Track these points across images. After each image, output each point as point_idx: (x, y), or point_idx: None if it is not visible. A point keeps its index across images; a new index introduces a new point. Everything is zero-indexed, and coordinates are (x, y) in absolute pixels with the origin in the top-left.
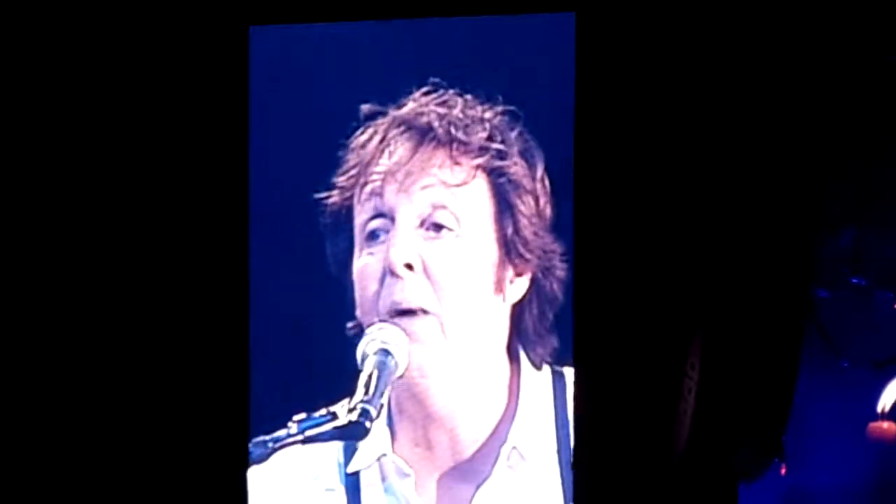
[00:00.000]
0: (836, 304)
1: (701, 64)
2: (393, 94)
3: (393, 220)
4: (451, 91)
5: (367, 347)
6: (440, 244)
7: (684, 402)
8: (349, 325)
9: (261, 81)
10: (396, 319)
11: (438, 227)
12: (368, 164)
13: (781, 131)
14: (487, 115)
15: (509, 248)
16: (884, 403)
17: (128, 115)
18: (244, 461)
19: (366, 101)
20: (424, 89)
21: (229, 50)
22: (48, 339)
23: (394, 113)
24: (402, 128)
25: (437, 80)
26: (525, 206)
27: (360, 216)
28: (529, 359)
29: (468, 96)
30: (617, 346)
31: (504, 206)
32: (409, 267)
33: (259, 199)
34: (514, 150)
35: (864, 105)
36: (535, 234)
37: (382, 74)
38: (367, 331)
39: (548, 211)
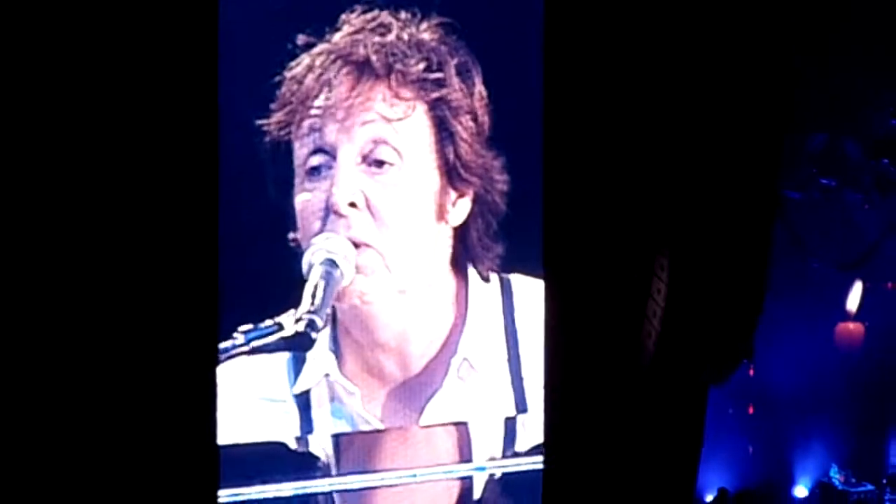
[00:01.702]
0: (807, 206)
1: None
2: (327, 17)
3: (334, 156)
4: (385, 12)
5: (312, 257)
6: (382, 180)
7: (654, 303)
8: (290, 236)
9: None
10: None
11: (380, 164)
12: (306, 99)
13: (748, 38)
14: (424, 34)
15: (451, 174)
16: (851, 305)
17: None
18: (209, 367)
19: (300, 27)
20: (358, 10)
21: None
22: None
23: (329, 45)
24: (340, 62)
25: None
26: (465, 129)
27: (300, 150)
28: (477, 271)
29: (403, 15)
30: (586, 254)
31: (444, 135)
32: (353, 205)
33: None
34: (452, 72)
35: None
36: (476, 154)
37: None
38: (314, 240)
39: (486, 124)
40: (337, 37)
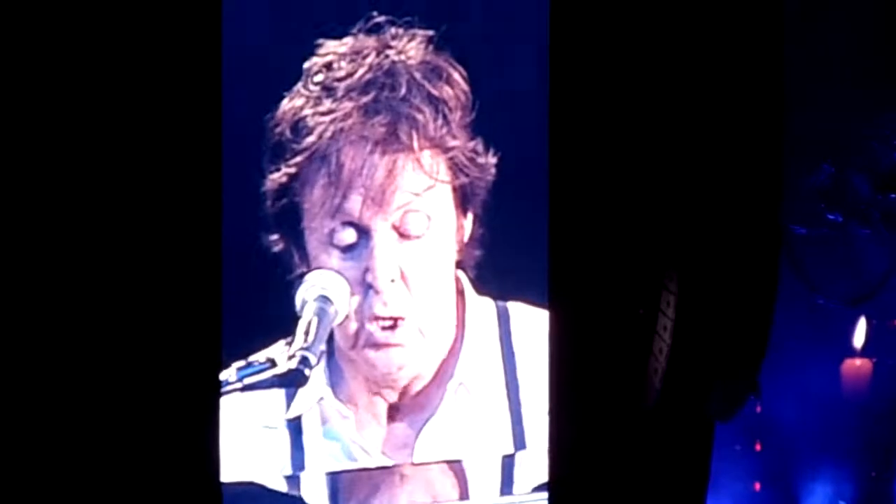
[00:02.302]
0: (813, 241)
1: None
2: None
3: (368, 233)
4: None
5: (306, 294)
6: (415, 250)
7: (660, 340)
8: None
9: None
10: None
11: (413, 234)
12: (330, 170)
13: (754, 69)
14: (422, 58)
15: (465, 207)
16: (858, 340)
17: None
18: (213, 397)
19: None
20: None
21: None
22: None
23: (340, 111)
24: (367, 143)
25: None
26: (475, 166)
27: (324, 222)
28: (475, 290)
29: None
30: (592, 286)
31: (463, 184)
32: (392, 281)
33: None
34: (456, 119)
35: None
36: (479, 178)
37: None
38: (307, 277)
39: (477, 140)
40: (340, 88)
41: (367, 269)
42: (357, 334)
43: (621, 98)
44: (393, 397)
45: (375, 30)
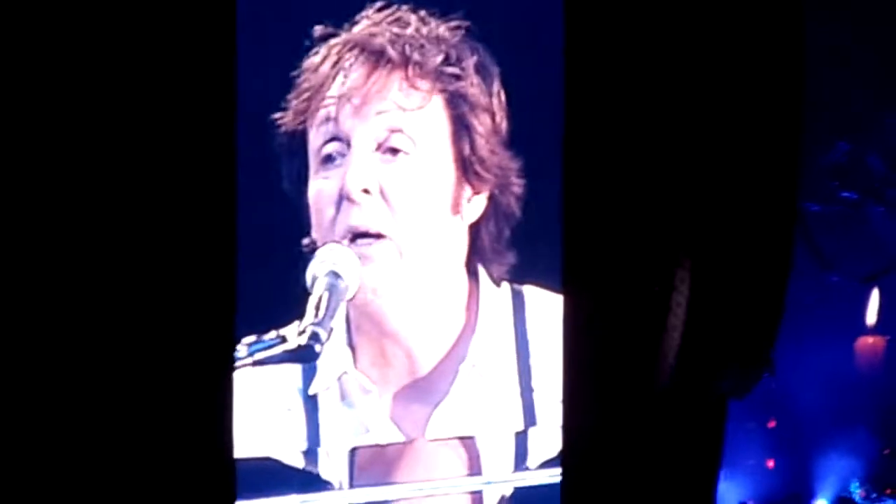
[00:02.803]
0: (827, 218)
1: None
2: (346, 12)
3: (349, 144)
4: (404, 7)
5: (316, 269)
6: (397, 167)
7: (674, 316)
8: (304, 241)
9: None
10: (351, 244)
11: (395, 151)
12: (321, 87)
13: (766, 50)
14: (443, 32)
15: (466, 168)
16: (871, 318)
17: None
18: (224, 378)
19: (319, 21)
20: (378, 5)
21: None
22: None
23: (347, 34)
24: (356, 50)
25: None
26: (482, 124)
27: (315, 140)
28: (489, 276)
29: (422, 12)
30: (606, 265)
31: (460, 127)
32: (366, 192)
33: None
34: (470, 68)
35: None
36: (492, 151)
37: None
38: (317, 253)
39: (504, 126)
40: (355, 29)
41: (343, 179)
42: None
43: (636, 80)
44: (404, 377)
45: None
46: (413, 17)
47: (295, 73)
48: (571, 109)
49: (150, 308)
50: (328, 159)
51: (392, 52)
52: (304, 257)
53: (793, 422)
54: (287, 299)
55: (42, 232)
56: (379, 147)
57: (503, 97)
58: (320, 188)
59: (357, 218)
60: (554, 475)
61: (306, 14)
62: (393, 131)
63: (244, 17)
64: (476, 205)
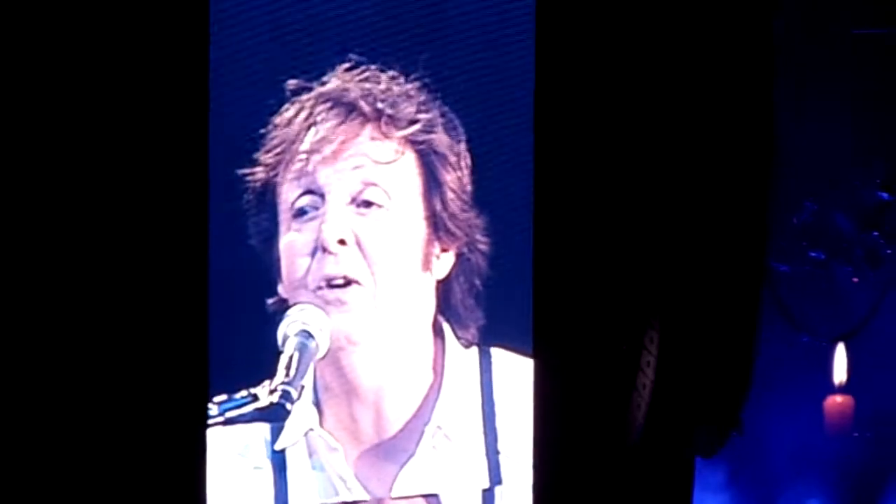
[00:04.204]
0: (796, 278)
1: (643, 38)
2: (316, 71)
3: (323, 196)
4: (373, 66)
5: (287, 329)
6: (371, 220)
7: (643, 375)
8: (269, 301)
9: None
10: (326, 291)
11: (369, 204)
12: (293, 141)
13: (734, 109)
14: (412, 90)
15: (437, 225)
16: (839, 377)
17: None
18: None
19: (289, 78)
20: (346, 65)
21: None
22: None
23: (319, 89)
24: (328, 104)
25: (356, 56)
26: (452, 180)
27: (288, 193)
28: (456, 335)
29: (391, 72)
30: (576, 328)
31: (432, 183)
32: (342, 242)
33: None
34: (439, 125)
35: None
36: (462, 209)
37: (305, 50)
38: (289, 312)
39: (469, 186)
40: (326, 86)
41: (318, 231)
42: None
43: (606, 141)
44: (371, 435)
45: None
46: (383, 76)
47: (265, 129)
48: (540, 170)
49: (121, 366)
50: (301, 213)
51: (364, 106)
52: (274, 315)
53: (760, 479)
54: (257, 358)
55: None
56: (353, 200)
57: (468, 158)
58: (292, 240)
59: (333, 267)
60: None
61: (276, 70)
62: (367, 184)
63: (217, 71)
64: (445, 262)
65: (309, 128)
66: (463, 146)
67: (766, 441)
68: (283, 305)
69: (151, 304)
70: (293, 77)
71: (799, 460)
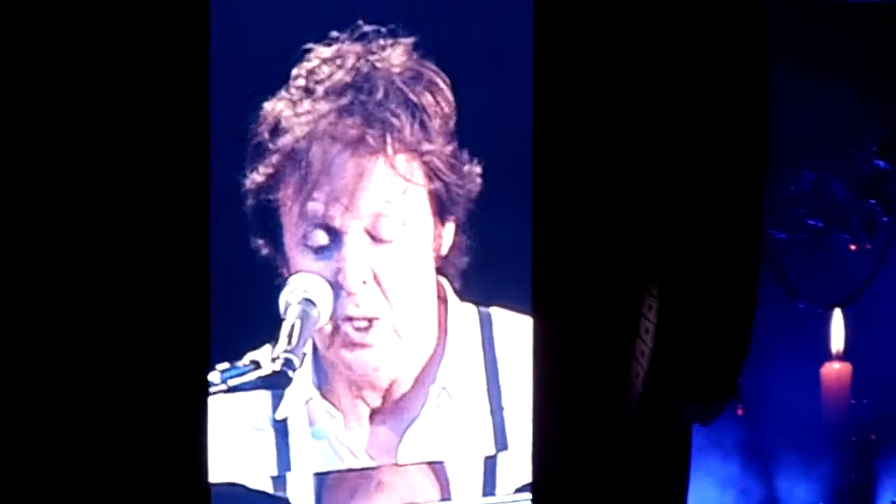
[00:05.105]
0: (793, 246)
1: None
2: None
3: (339, 236)
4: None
5: (289, 297)
6: (388, 253)
7: (642, 343)
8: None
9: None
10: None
11: (385, 238)
12: (305, 175)
13: (733, 76)
14: (408, 90)
15: (443, 214)
16: (836, 345)
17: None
18: (202, 399)
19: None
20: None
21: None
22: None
23: (314, 113)
24: (338, 145)
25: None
26: (454, 172)
27: (298, 223)
28: (458, 300)
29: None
30: (575, 292)
31: (439, 189)
32: (363, 283)
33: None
34: (436, 123)
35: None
36: (459, 185)
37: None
38: (290, 280)
39: (455, 145)
40: (319, 91)
41: (338, 271)
42: (332, 336)
43: (605, 108)
44: (376, 401)
45: (361, 38)
46: (380, 81)
47: (264, 141)
48: (540, 138)
49: (124, 336)
50: (318, 249)
51: (370, 139)
52: (278, 287)
53: (759, 449)
54: (259, 325)
55: (12, 252)
56: (369, 235)
57: (452, 100)
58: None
59: (354, 309)
60: (524, 501)
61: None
62: (381, 217)
63: (218, 73)
64: (447, 236)
65: (311, 162)
66: (451, 104)
67: (763, 408)
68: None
69: (154, 275)
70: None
71: (796, 427)
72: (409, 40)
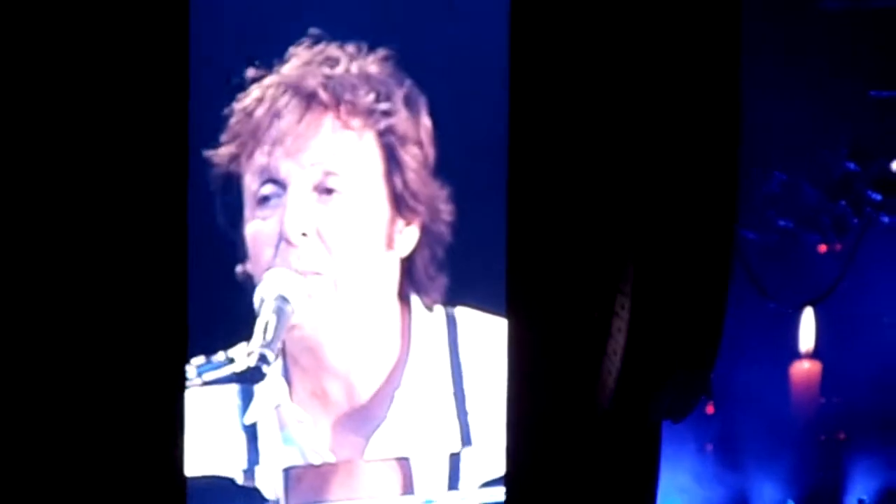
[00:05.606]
0: (764, 246)
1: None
2: (276, 51)
3: (284, 187)
4: (333, 44)
5: (264, 293)
6: (332, 208)
7: (614, 341)
8: (238, 269)
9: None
10: None
11: (330, 192)
12: (256, 130)
13: (706, 76)
14: (372, 68)
15: (399, 204)
16: (806, 344)
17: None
18: (174, 398)
19: (250, 60)
20: (306, 43)
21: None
22: None
23: (278, 76)
24: (289, 93)
25: (317, 31)
26: (412, 158)
27: (250, 181)
28: (422, 302)
29: (350, 48)
30: (547, 291)
31: (393, 164)
32: (304, 235)
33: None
34: (399, 101)
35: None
36: (423, 184)
37: (265, 27)
38: (265, 276)
39: (431, 154)
40: (286, 68)
41: (281, 223)
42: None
43: (580, 107)
44: (342, 406)
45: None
46: (342, 55)
47: (227, 111)
48: (514, 138)
49: (100, 329)
50: (264, 200)
51: (323, 95)
52: (240, 284)
53: (730, 445)
54: (234, 321)
55: None
56: (315, 188)
57: (430, 127)
58: (258, 229)
59: (296, 260)
60: (497, 495)
61: (237, 51)
62: (328, 173)
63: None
64: (408, 236)
65: (271, 120)
66: (425, 118)
67: (733, 405)
68: (249, 277)
69: (131, 269)
70: (254, 59)
71: (766, 425)
72: (384, 53)
